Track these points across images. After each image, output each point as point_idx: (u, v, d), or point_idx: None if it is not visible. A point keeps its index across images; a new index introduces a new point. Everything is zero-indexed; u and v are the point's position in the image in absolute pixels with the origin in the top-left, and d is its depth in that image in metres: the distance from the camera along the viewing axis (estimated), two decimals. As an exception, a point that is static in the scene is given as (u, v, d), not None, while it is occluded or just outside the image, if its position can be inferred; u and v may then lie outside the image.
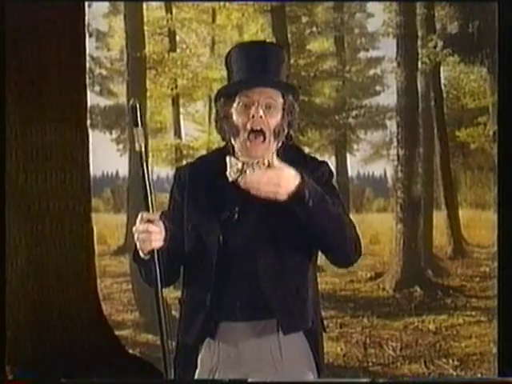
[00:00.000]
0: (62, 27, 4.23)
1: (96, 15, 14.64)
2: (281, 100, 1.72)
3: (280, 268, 1.68)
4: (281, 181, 1.51)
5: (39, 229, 4.14)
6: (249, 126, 1.69)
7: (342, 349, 5.91)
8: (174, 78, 12.47)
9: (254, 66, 1.70)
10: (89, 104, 4.53)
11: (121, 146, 15.76)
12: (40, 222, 4.14)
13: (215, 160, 1.79)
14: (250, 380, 1.68)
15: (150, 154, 11.22)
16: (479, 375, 5.08)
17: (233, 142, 1.76)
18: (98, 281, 4.53)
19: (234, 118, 1.71)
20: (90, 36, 13.97)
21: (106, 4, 14.89)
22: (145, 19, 11.41)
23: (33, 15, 4.10)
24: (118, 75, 14.62)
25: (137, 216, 1.65)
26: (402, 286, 8.63)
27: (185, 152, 12.84)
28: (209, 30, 13.22)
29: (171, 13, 12.84)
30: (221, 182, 1.72)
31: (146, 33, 11.30)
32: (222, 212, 1.72)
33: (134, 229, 1.64)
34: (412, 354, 5.79)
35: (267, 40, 12.27)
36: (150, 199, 1.63)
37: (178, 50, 13.41)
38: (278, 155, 1.74)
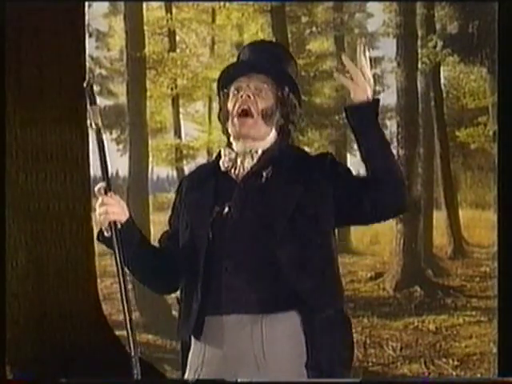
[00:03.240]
0: (62, 27, 4.23)
1: (96, 15, 14.65)
2: (274, 88, 1.75)
3: (298, 250, 1.66)
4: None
5: (39, 229, 4.14)
6: (237, 106, 1.73)
7: (342, 349, 5.90)
8: (173, 78, 12.48)
9: (254, 56, 1.78)
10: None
11: (121, 146, 15.76)
12: (40, 222, 4.14)
13: (211, 162, 1.84)
14: (239, 380, 1.66)
15: (150, 154, 11.21)
16: (479, 375, 5.08)
17: (228, 130, 1.78)
18: (98, 281, 4.53)
19: (228, 104, 1.76)
20: (90, 36, 13.97)
21: (106, 4, 14.91)
22: (145, 19, 11.40)
23: (33, 15, 4.09)
24: (118, 75, 14.62)
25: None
26: (402, 285, 8.64)
27: (185, 152, 12.85)
28: (209, 29, 13.22)
29: (171, 13, 12.84)
30: (213, 177, 1.75)
31: (145, 33, 11.29)
32: (213, 207, 1.72)
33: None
34: (412, 354, 5.80)
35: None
36: (107, 177, 1.66)
37: (178, 50, 13.41)
38: (280, 146, 1.75)
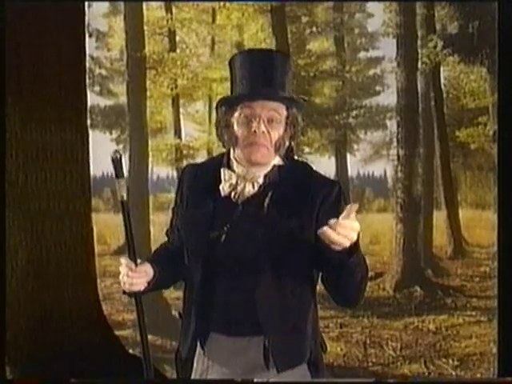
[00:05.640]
0: (62, 27, 4.23)
1: (96, 15, 14.64)
2: (284, 113, 1.68)
3: (278, 300, 1.64)
4: (354, 236, 1.43)
5: (39, 229, 4.14)
6: (250, 140, 1.65)
7: (341, 349, 5.91)
8: (173, 78, 12.47)
9: (258, 76, 1.65)
10: (89, 104, 4.53)
11: (121, 146, 15.75)
12: (40, 222, 4.14)
13: (215, 168, 1.76)
14: (255, 380, 1.68)
15: (150, 154, 11.21)
16: (479, 375, 5.08)
17: (231, 150, 1.73)
18: (98, 281, 4.53)
19: (235, 128, 1.68)
20: (90, 36, 13.96)
21: (106, 4, 14.91)
22: (145, 19, 11.41)
23: (33, 15, 4.09)
24: (118, 75, 14.63)
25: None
26: (402, 286, 8.63)
27: (185, 152, 12.84)
28: (209, 29, 13.22)
29: (171, 13, 12.84)
30: (214, 196, 1.71)
31: (145, 33, 11.29)
32: (210, 229, 1.69)
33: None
34: (412, 354, 5.80)
35: (267, 40, 12.25)
36: (132, 247, 1.67)
37: (178, 50, 13.41)
38: (282, 170, 1.71)
